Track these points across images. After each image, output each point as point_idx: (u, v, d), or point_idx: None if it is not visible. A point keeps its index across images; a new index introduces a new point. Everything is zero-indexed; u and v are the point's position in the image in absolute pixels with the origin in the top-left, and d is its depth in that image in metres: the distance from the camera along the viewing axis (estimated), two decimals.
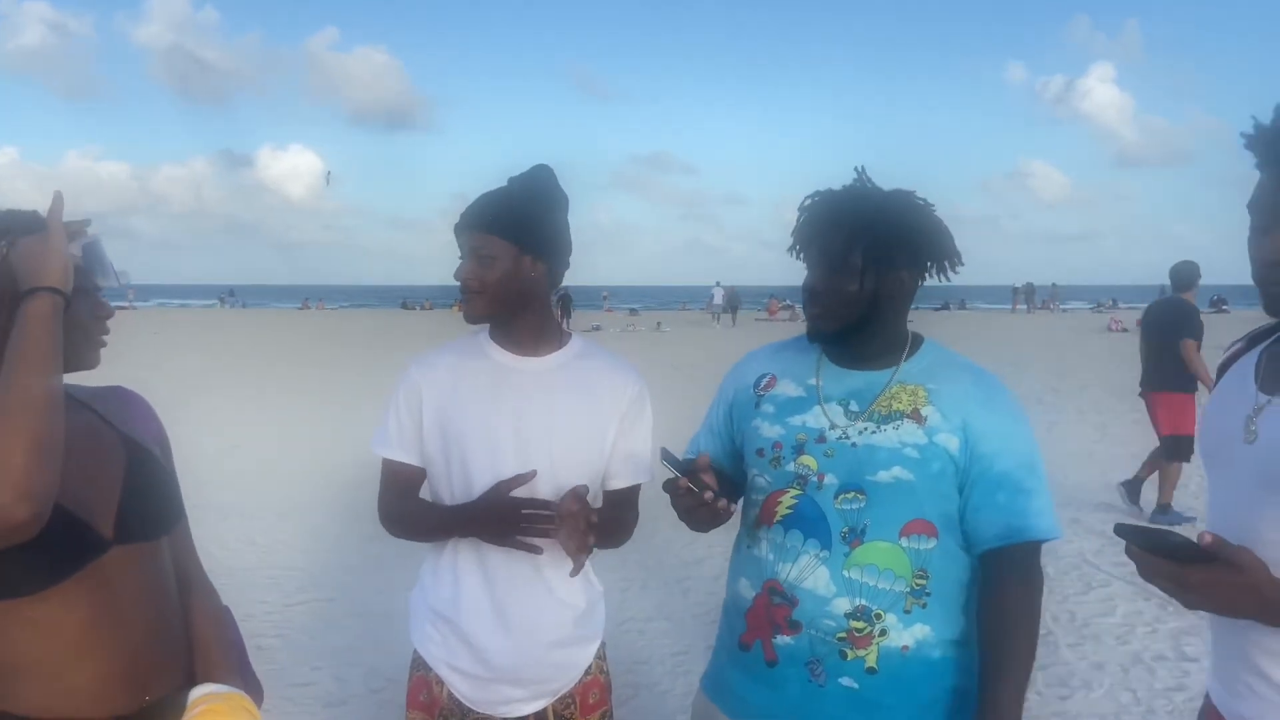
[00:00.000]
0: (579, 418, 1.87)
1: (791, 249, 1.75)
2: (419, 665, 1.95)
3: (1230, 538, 1.35)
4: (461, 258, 1.86)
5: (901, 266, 1.68)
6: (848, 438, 1.67)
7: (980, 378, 1.73)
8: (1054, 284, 50.74)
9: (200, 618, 1.56)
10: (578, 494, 1.78)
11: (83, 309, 1.41)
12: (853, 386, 1.72)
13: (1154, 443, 7.03)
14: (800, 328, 1.81)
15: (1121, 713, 3.89)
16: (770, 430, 1.75)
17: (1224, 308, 40.68)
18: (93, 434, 1.44)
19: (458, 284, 1.85)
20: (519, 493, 1.80)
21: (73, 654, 1.34)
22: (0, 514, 1.17)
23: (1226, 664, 1.41)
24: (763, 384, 1.82)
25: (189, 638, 1.53)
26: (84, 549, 1.34)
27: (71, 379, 1.42)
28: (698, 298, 41.21)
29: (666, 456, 1.63)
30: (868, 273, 1.65)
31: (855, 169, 1.75)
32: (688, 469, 1.61)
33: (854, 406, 1.70)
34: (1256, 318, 1.49)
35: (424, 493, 1.98)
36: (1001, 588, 1.66)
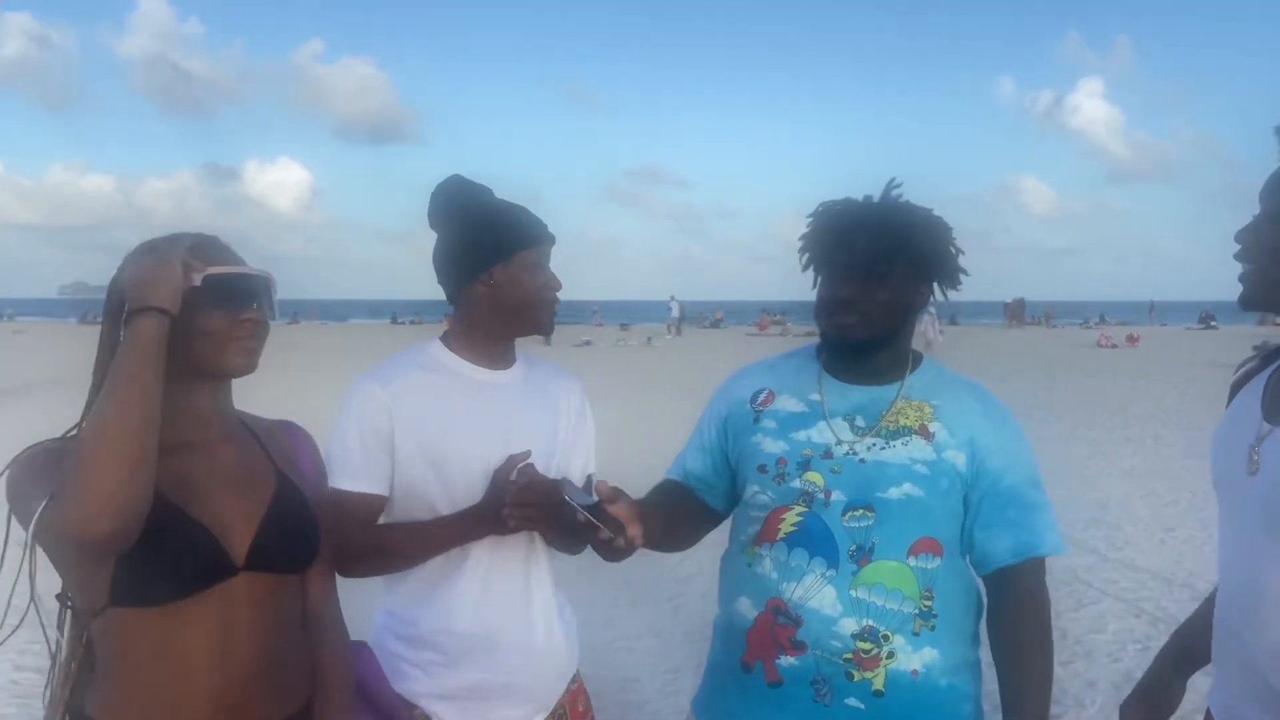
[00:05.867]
0: (550, 426, 1.86)
1: (804, 255, 1.71)
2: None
3: (1236, 580, 1.32)
4: (527, 268, 1.80)
5: (929, 281, 1.69)
6: (855, 454, 1.65)
7: (980, 395, 1.73)
8: (1030, 300, 50.55)
9: (327, 660, 1.56)
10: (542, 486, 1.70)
11: (215, 318, 1.39)
12: (857, 401, 1.70)
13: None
14: (791, 343, 1.80)
15: None
16: (773, 446, 1.71)
17: (1212, 324, 40.90)
18: (250, 463, 1.48)
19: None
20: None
21: (184, 672, 1.36)
22: (84, 526, 1.20)
23: (1229, 684, 1.37)
24: (760, 399, 1.78)
25: (313, 678, 1.53)
26: (215, 570, 1.37)
27: (251, 408, 1.54)
28: (689, 312, 43.31)
29: (567, 489, 1.57)
30: (904, 284, 1.65)
31: (890, 181, 1.70)
32: (588, 504, 1.54)
33: (860, 422, 1.68)
34: (1248, 334, 1.47)
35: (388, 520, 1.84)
36: (1015, 612, 1.66)
